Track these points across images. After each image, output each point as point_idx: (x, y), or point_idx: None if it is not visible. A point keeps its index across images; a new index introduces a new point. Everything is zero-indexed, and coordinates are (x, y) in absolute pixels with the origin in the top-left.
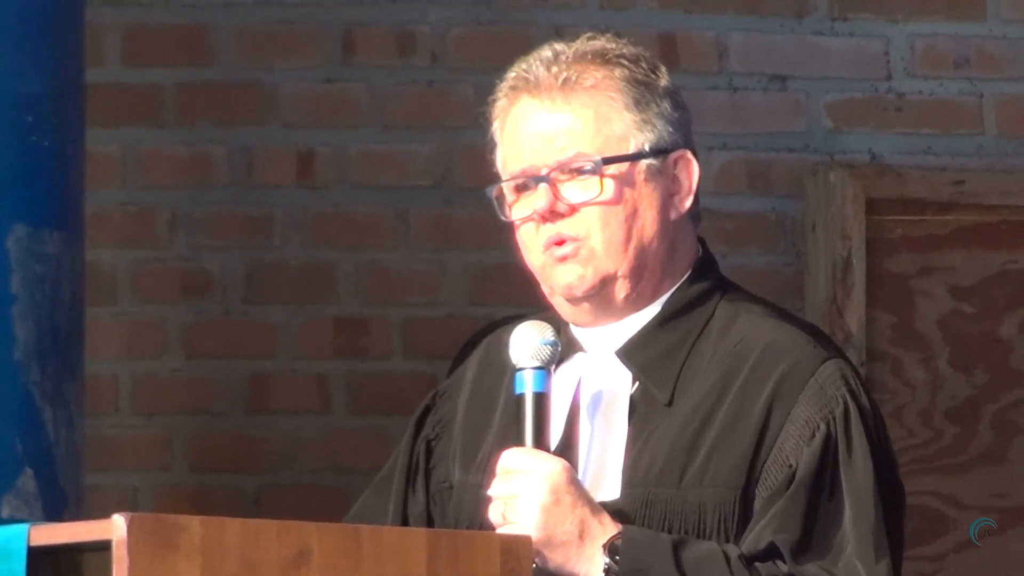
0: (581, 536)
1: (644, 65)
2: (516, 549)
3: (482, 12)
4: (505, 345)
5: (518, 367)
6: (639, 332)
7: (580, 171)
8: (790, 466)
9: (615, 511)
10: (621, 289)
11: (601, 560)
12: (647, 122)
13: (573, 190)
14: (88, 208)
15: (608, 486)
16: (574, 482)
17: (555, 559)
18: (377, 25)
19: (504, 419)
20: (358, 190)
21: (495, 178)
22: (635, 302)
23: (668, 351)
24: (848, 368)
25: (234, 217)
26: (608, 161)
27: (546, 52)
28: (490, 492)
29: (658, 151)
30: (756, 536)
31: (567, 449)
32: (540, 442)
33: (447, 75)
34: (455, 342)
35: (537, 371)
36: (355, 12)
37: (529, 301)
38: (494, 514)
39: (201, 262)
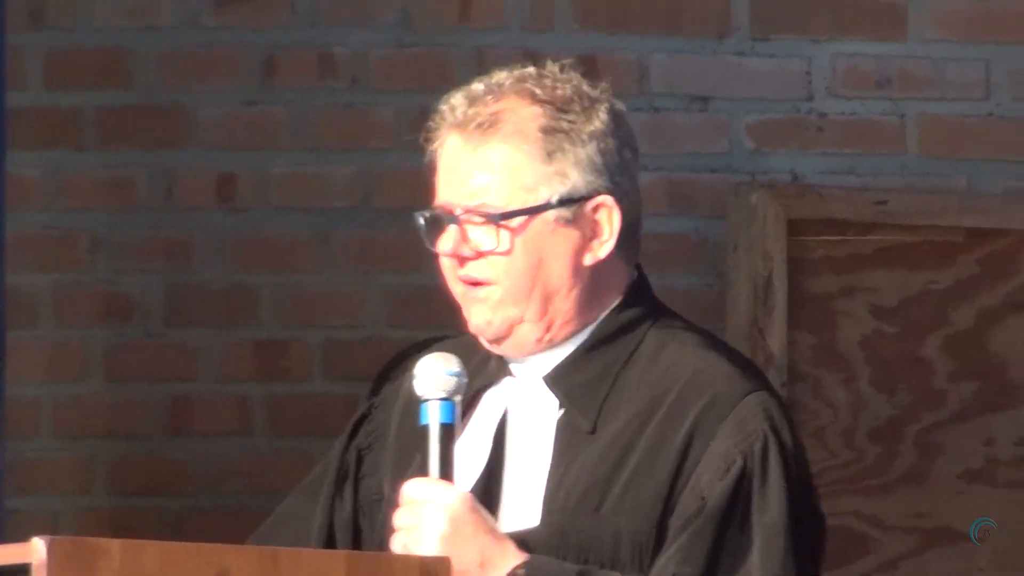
0: (483, 566)
1: (576, 107)
2: (435, 571)
3: (402, 34)
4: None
5: (423, 398)
6: (566, 359)
7: (484, 220)
8: (702, 499)
9: (533, 540)
10: (531, 333)
11: None
12: (559, 173)
13: (479, 236)
14: (9, 231)
15: (528, 514)
16: (475, 511)
17: None
18: (298, 47)
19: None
20: (279, 213)
21: (423, 202)
22: (548, 343)
23: (594, 378)
24: (773, 402)
25: (155, 240)
26: (508, 215)
27: (476, 86)
28: (394, 522)
29: (570, 201)
30: (661, 568)
31: (492, 475)
32: (445, 473)
33: (368, 97)
34: (375, 364)
35: (443, 402)
36: (276, 35)
37: (449, 324)
38: (396, 544)
39: (122, 285)
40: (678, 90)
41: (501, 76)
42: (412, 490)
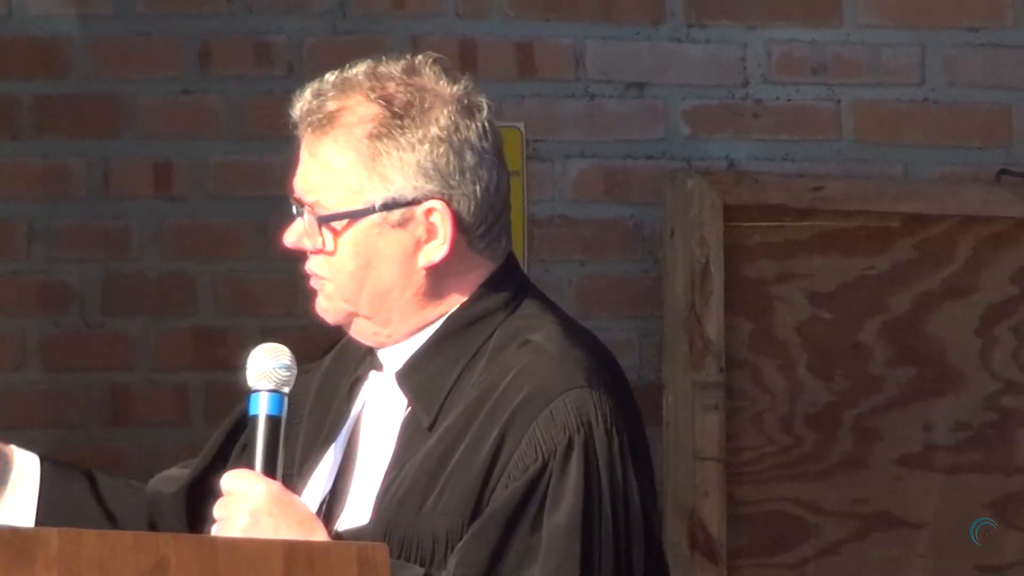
0: None
1: (414, 111)
2: (373, 558)
3: (338, 22)
4: (355, 347)
5: (253, 389)
6: (415, 354)
7: (315, 219)
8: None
9: (363, 536)
10: (368, 327)
11: None
12: (383, 177)
13: (312, 233)
14: None
15: (365, 510)
16: (281, 503)
17: None
18: (233, 35)
19: (326, 418)
20: (216, 201)
21: None
22: (393, 337)
23: (438, 373)
24: (593, 399)
25: (92, 229)
26: (331, 218)
27: (325, 79)
28: (214, 512)
29: (395, 205)
30: (449, 567)
31: (343, 471)
32: (268, 464)
33: (303, 84)
34: (312, 352)
35: (271, 394)
36: (211, 22)
37: None
38: (214, 533)
39: (59, 274)
40: (614, 77)
41: (354, 71)
42: (226, 482)
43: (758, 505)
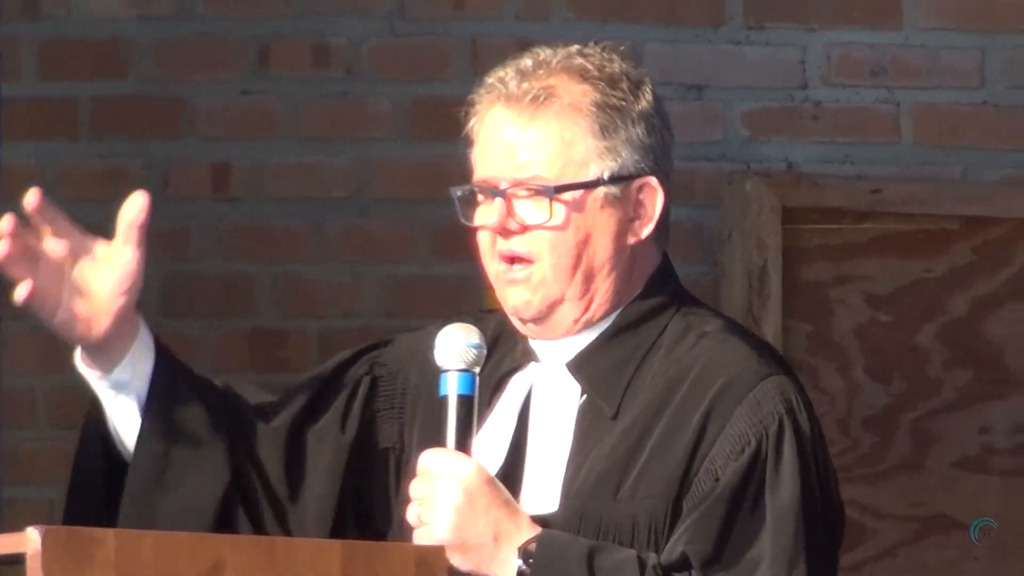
0: (496, 538)
1: (624, 86)
2: (431, 559)
3: (396, 23)
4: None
5: (443, 369)
6: (589, 345)
7: (535, 192)
8: (716, 479)
9: (552, 522)
10: (569, 313)
11: (515, 563)
12: (611, 150)
13: (528, 209)
14: None
15: (548, 497)
16: (490, 483)
17: (469, 561)
18: (292, 37)
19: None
20: (274, 202)
21: (462, 180)
22: (585, 323)
23: (617, 365)
24: (791, 385)
25: (151, 231)
26: (562, 189)
27: (525, 61)
28: (410, 492)
29: (619, 179)
30: (671, 546)
31: (515, 457)
32: (463, 445)
33: (362, 87)
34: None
35: (462, 373)
36: (270, 25)
37: (446, 313)
38: (410, 515)
39: None
40: (673, 79)
41: (547, 53)
42: (428, 461)
43: None
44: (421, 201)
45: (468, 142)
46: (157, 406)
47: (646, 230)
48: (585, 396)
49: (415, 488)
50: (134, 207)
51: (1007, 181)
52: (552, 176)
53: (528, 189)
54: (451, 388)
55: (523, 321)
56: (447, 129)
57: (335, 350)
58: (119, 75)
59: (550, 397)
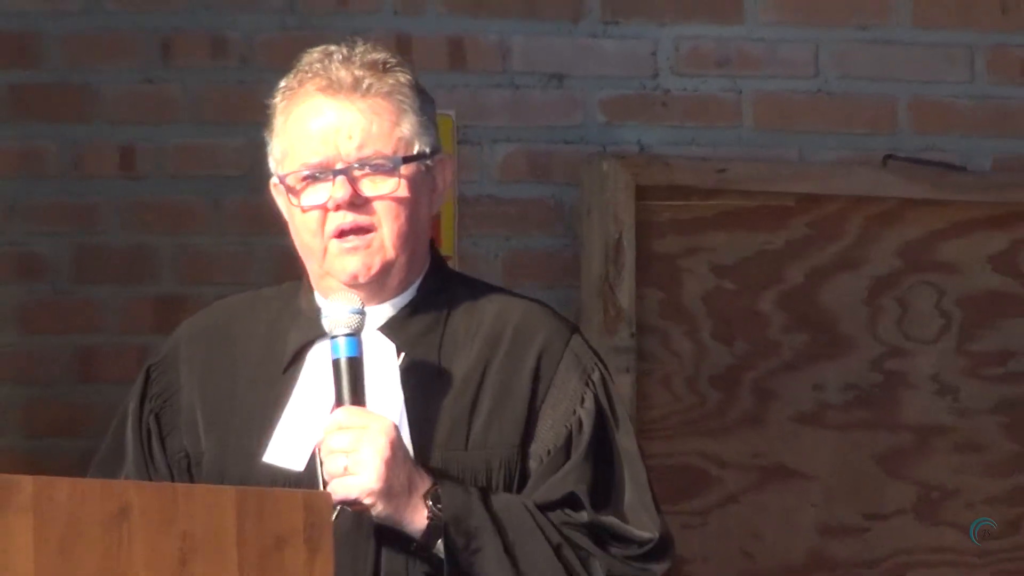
0: (409, 488)
1: (412, 73)
2: (317, 504)
3: (287, 18)
4: (217, 326)
5: (332, 335)
6: (400, 311)
7: (379, 168)
8: (567, 428)
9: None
10: (396, 275)
11: (424, 509)
12: (425, 126)
13: (368, 184)
14: None
15: None
16: (401, 438)
17: (389, 508)
18: (192, 30)
19: (257, 387)
20: (175, 180)
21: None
22: (405, 284)
23: (427, 327)
24: (583, 337)
25: (63, 206)
26: (406, 160)
27: (337, 54)
28: (328, 445)
29: (433, 152)
30: (553, 486)
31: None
32: (358, 402)
33: (256, 75)
34: None
35: (348, 338)
36: (171, 19)
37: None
38: (333, 466)
39: (33, 247)
40: (536, 68)
41: (346, 50)
42: (346, 417)
43: (666, 459)
44: None
45: (277, 131)
46: None
47: (439, 201)
48: (404, 355)
49: (336, 440)
50: None
51: (839, 162)
52: (391, 151)
53: (370, 166)
54: (341, 351)
55: (358, 287)
56: None
57: None
58: (33, 65)
59: (368, 360)
